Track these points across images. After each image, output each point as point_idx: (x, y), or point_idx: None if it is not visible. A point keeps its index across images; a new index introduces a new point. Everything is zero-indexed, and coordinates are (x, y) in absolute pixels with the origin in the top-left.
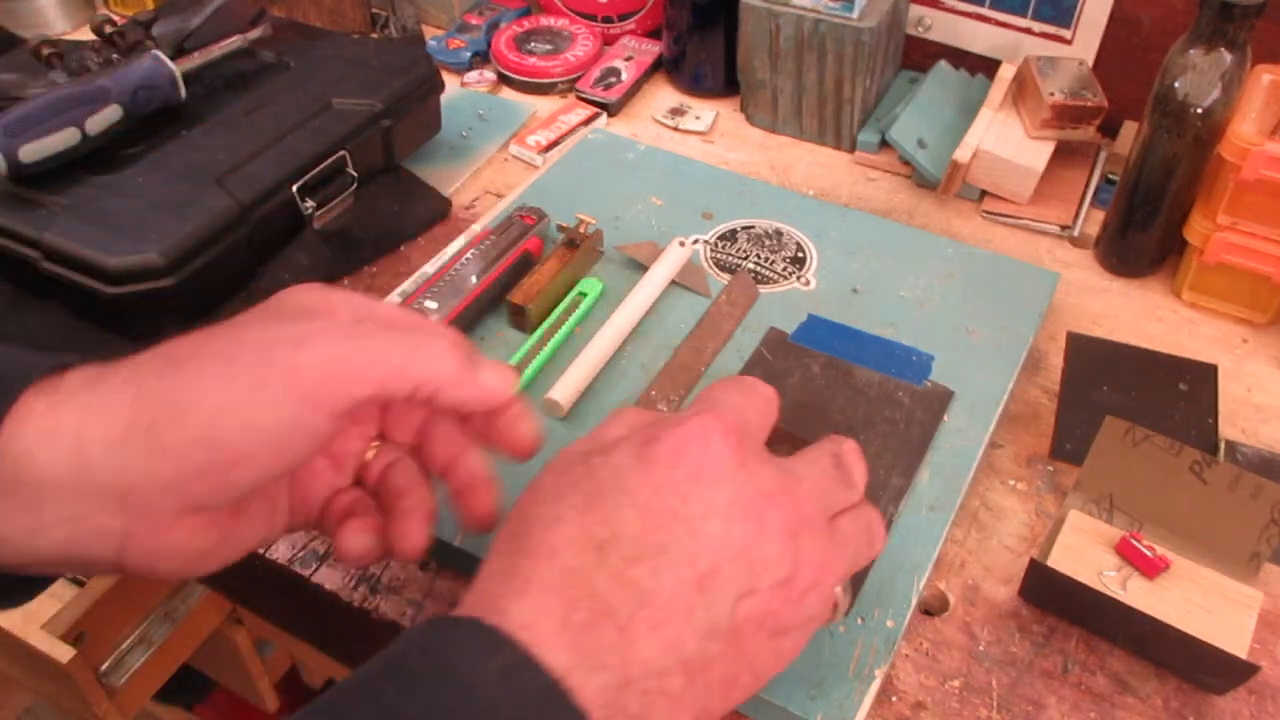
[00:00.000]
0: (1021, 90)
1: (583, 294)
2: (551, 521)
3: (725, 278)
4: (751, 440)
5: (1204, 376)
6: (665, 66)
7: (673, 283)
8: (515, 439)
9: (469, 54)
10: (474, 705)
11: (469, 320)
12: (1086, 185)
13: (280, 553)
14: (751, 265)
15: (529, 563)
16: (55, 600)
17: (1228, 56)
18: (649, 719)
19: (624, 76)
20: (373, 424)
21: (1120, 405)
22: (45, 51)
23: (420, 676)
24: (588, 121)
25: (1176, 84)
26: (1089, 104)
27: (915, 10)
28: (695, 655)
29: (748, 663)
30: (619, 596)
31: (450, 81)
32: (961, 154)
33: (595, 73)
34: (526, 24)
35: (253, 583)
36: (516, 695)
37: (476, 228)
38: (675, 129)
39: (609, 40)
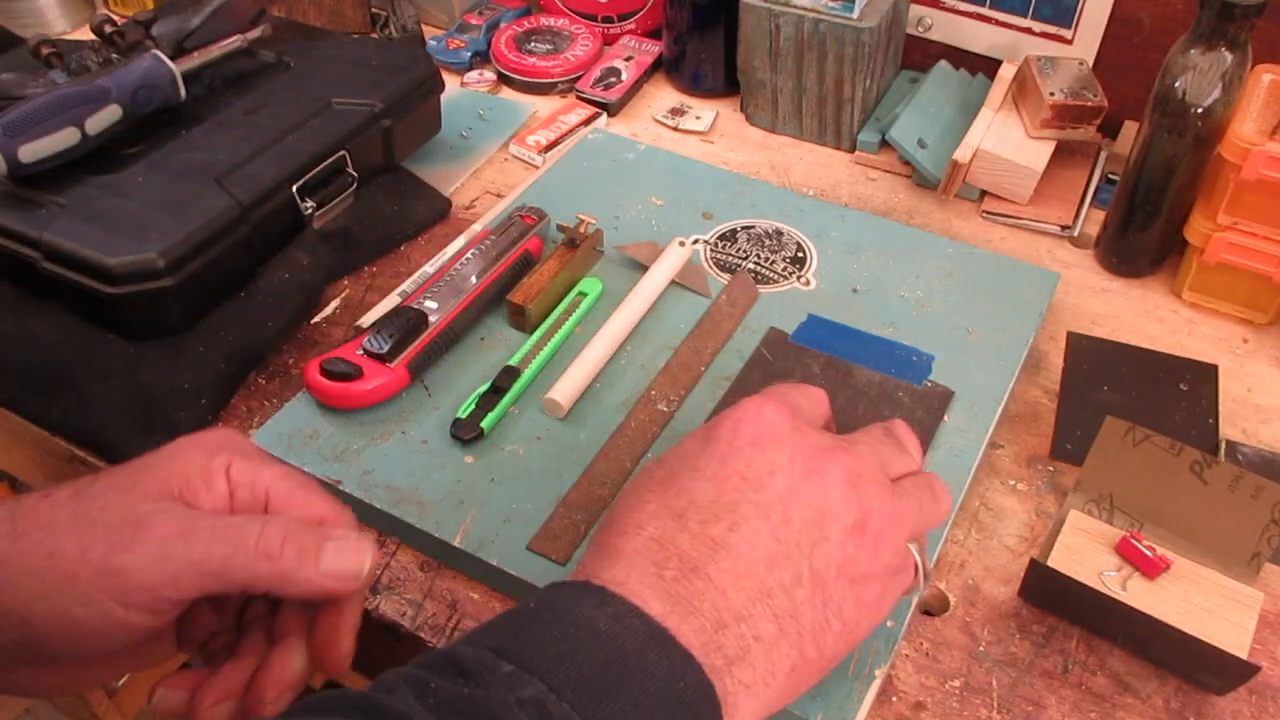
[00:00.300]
0: (1021, 90)
1: (583, 294)
2: (635, 505)
3: (725, 278)
4: (803, 417)
5: (1204, 376)
6: (665, 66)
7: (673, 283)
8: (329, 655)
9: (469, 54)
10: (596, 639)
11: (469, 320)
12: (1087, 185)
13: None
14: (751, 265)
15: (619, 540)
16: None
17: (1228, 56)
18: (747, 661)
19: (624, 76)
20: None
21: (1120, 405)
22: (45, 51)
23: (541, 620)
24: (588, 121)
25: (1177, 84)
26: (1089, 104)
27: (915, 10)
28: (781, 601)
29: (835, 609)
30: (702, 553)
31: (450, 81)
32: (961, 154)
33: (595, 73)
34: (526, 24)
35: None
36: (628, 635)
37: (476, 228)
38: (675, 129)
39: (609, 40)
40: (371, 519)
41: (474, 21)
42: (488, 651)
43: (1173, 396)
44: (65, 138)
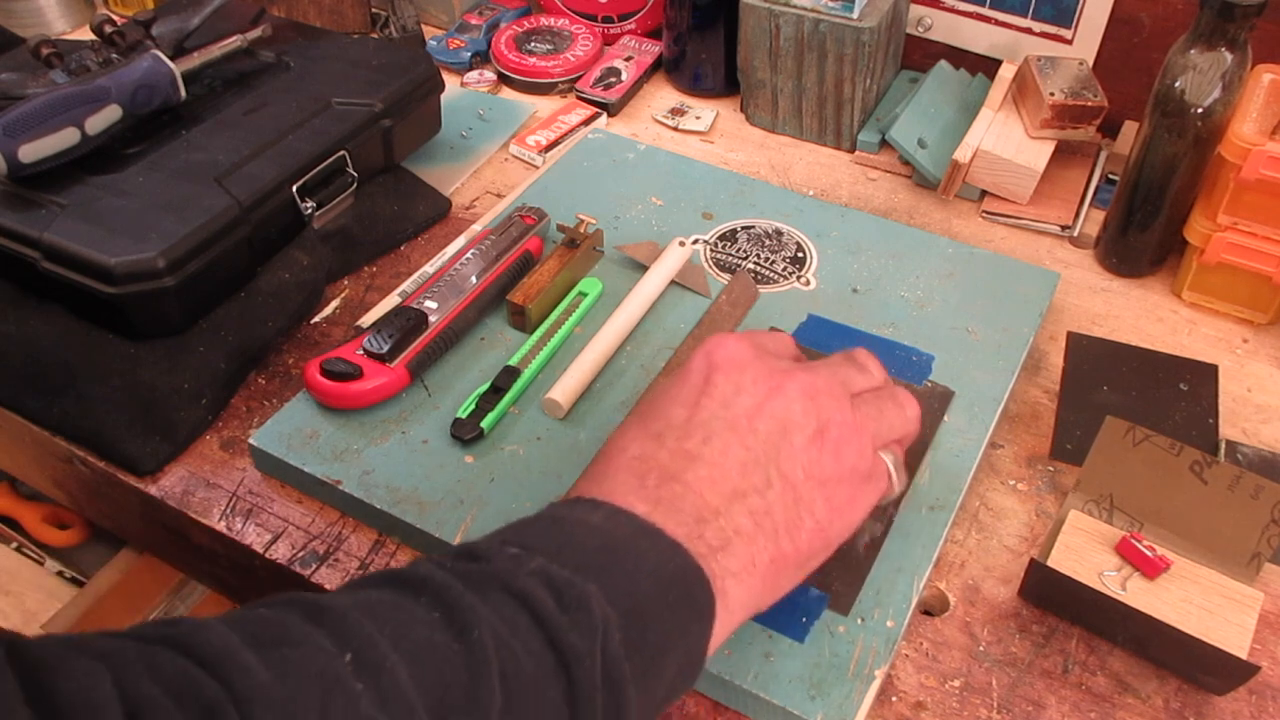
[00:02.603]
0: (1022, 90)
1: (583, 294)
2: (619, 435)
3: (725, 278)
4: (765, 347)
5: (1204, 376)
6: (665, 66)
7: (673, 283)
8: None
9: (469, 54)
10: (591, 532)
11: (469, 320)
12: (1087, 185)
13: (280, 553)
14: (751, 265)
15: (604, 464)
16: (55, 600)
17: (1228, 56)
18: (730, 549)
19: (624, 76)
20: None
21: (1120, 405)
22: (45, 51)
23: (540, 521)
24: (588, 121)
25: (1177, 84)
26: (1089, 104)
27: (915, 10)
28: (755, 501)
29: (806, 508)
30: (679, 464)
31: (450, 81)
32: (962, 154)
33: (595, 73)
34: (526, 24)
35: (253, 583)
36: (621, 530)
37: (476, 228)
38: (675, 129)
39: (609, 40)
40: (371, 519)
41: (474, 21)
42: (495, 541)
43: (1173, 396)
44: (65, 138)
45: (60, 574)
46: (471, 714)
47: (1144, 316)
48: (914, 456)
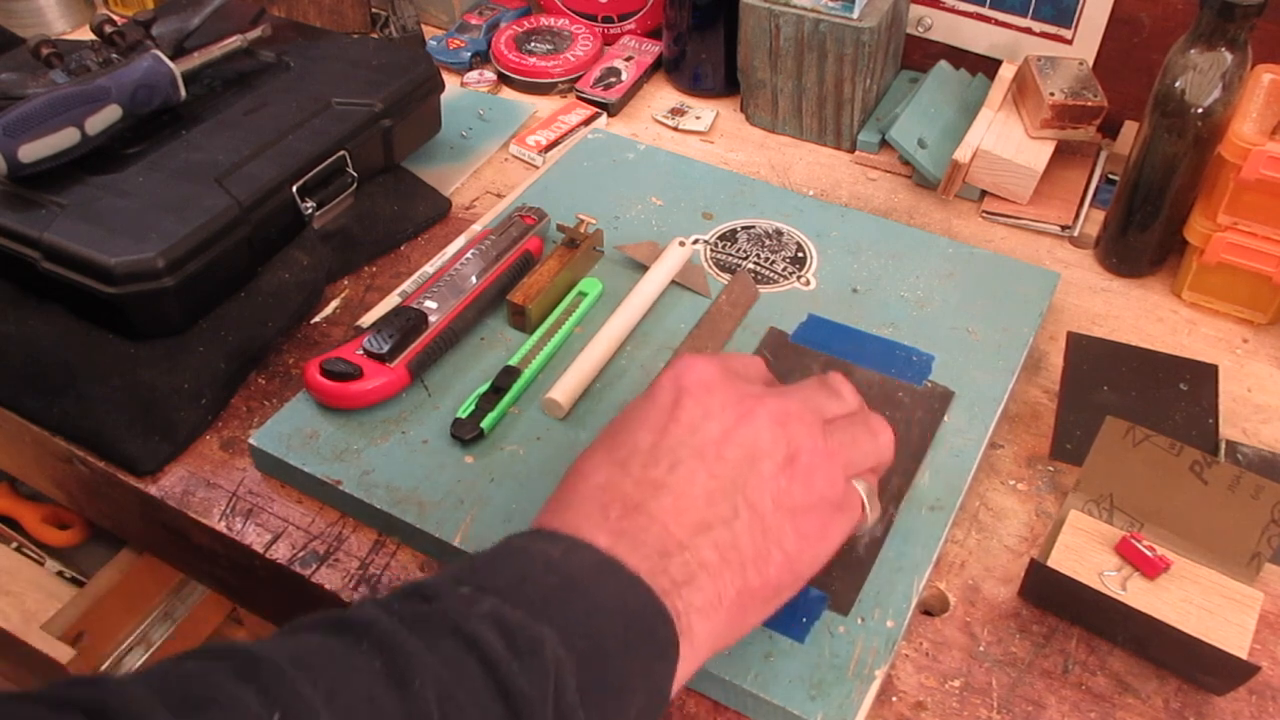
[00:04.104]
0: (1022, 90)
1: (583, 294)
2: (584, 460)
3: (725, 278)
4: (735, 370)
5: (1204, 376)
6: (665, 66)
7: (673, 283)
8: None
9: (469, 54)
10: (549, 567)
11: (469, 320)
12: (1087, 185)
13: (280, 553)
14: (751, 265)
15: (568, 492)
16: (55, 600)
17: (1228, 56)
18: (694, 584)
19: (624, 76)
20: None
21: (1120, 405)
22: (45, 51)
23: (499, 560)
24: (588, 121)
25: (1177, 84)
26: (1089, 104)
27: (915, 10)
28: (721, 533)
29: (775, 539)
30: (644, 493)
31: (450, 81)
32: (962, 154)
33: (595, 73)
34: (526, 24)
35: (253, 583)
36: (579, 563)
37: (476, 228)
38: (675, 129)
39: (609, 40)
40: (371, 519)
41: (474, 21)
42: (447, 579)
43: (1173, 396)
44: (65, 138)
45: (60, 574)
46: None
47: (1144, 316)
48: (914, 457)
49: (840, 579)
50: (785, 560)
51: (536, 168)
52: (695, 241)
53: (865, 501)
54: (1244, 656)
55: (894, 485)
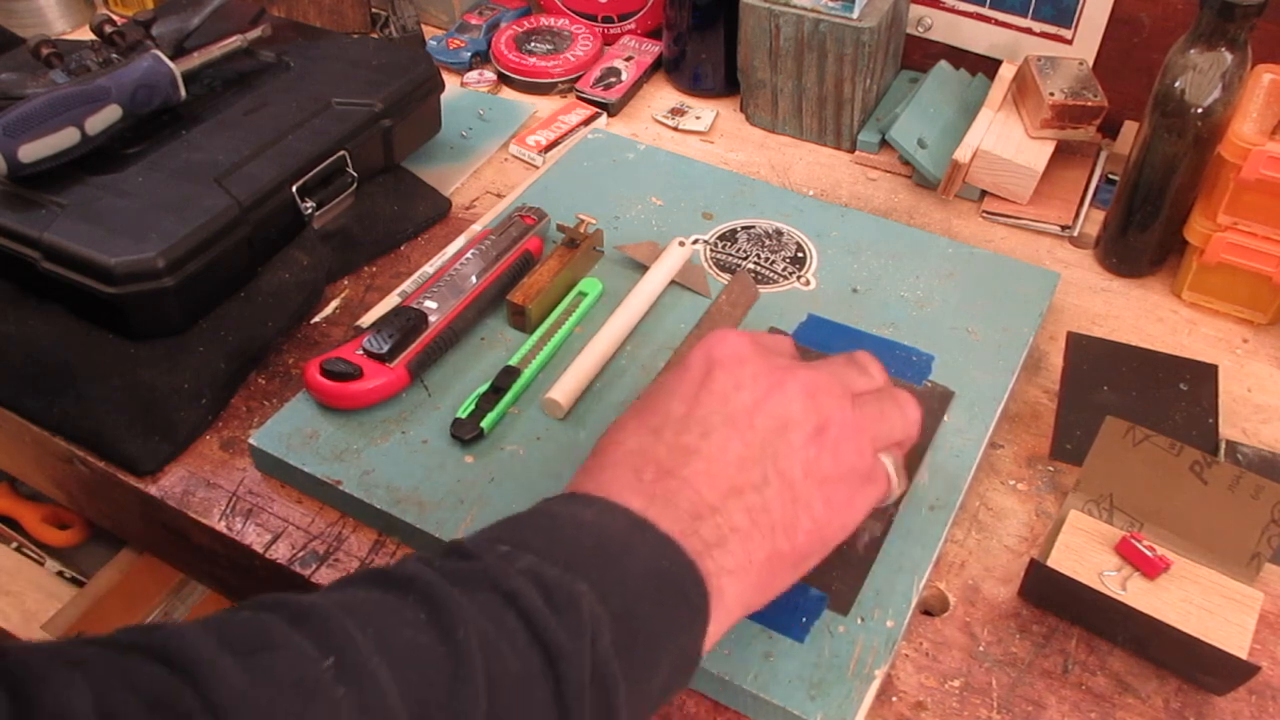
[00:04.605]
0: (1022, 90)
1: (583, 294)
2: (617, 429)
3: (725, 278)
4: (765, 345)
5: (1204, 376)
6: (665, 66)
7: (673, 283)
8: None
9: (469, 54)
10: (583, 528)
11: (469, 320)
12: (1087, 185)
13: (280, 553)
14: (751, 265)
15: (601, 457)
16: (55, 600)
17: (1228, 56)
18: (725, 546)
19: (624, 76)
20: None
21: (1120, 405)
22: (45, 51)
23: (533, 518)
24: (588, 121)
25: (1177, 84)
26: (1089, 104)
27: (915, 10)
28: (752, 498)
29: (804, 507)
30: (676, 458)
31: (450, 81)
32: (962, 154)
33: (595, 73)
34: (526, 24)
35: (253, 583)
36: (613, 524)
37: (476, 228)
38: (675, 129)
39: (609, 40)
40: (371, 519)
41: (474, 21)
42: (485, 539)
43: (1173, 396)
44: (65, 138)
45: (60, 574)
46: (456, 717)
47: (1144, 316)
48: (914, 457)
49: (840, 579)
50: (814, 527)
51: (536, 168)
52: (695, 241)
53: (892, 474)
54: (1244, 656)
55: (910, 450)
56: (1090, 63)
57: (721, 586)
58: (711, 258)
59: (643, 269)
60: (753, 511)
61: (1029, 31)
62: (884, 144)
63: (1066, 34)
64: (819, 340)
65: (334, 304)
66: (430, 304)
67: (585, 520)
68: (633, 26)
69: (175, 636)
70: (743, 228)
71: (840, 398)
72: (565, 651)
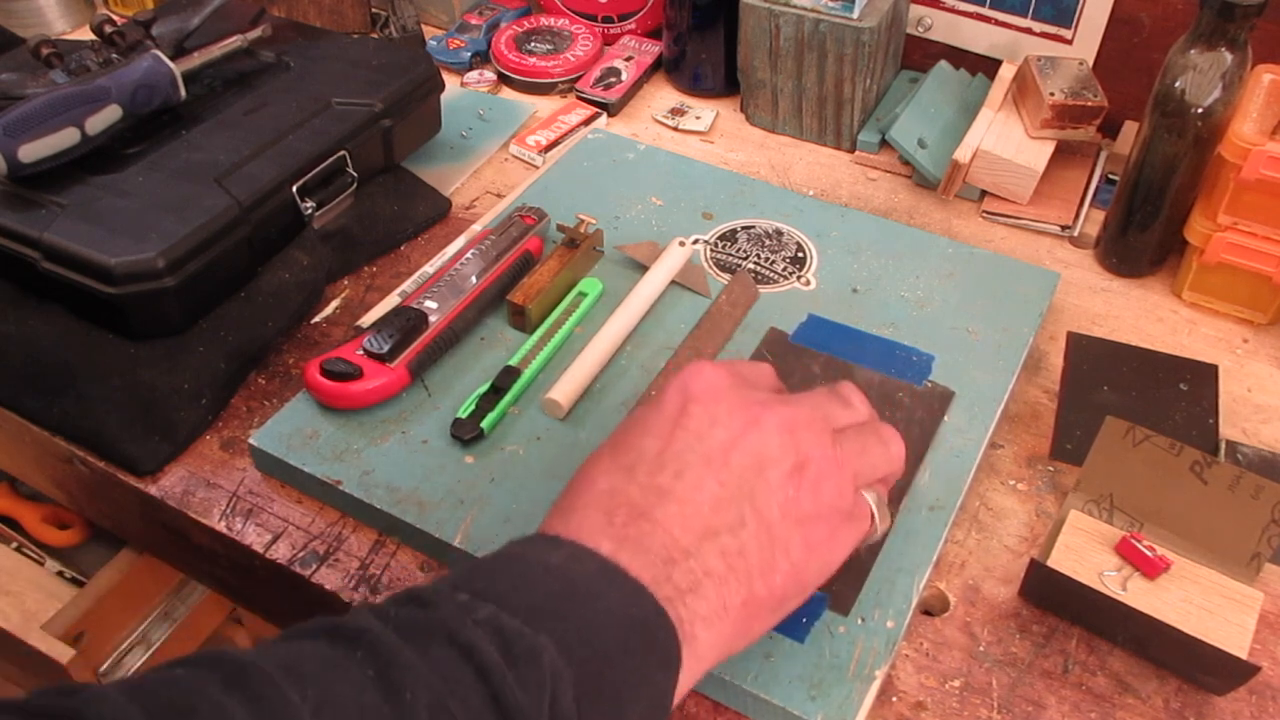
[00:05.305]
0: (1022, 90)
1: (583, 294)
2: (589, 466)
3: (725, 278)
4: (744, 376)
5: (1204, 376)
6: (665, 66)
7: (673, 283)
8: None
9: (469, 54)
10: (549, 574)
11: (469, 320)
12: (1087, 185)
13: (280, 553)
14: (751, 265)
15: (573, 497)
16: (55, 600)
17: (1228, 56)
18: (699, 592)
19: (624, 76)
20: None
21: (1120, 405)
22: (45, 51)
23: (499, 566)
24: (588, 121)
25: (1177, 84)
26: (1089, 104)
27: (915, 10)
28: (728, 540)
29: (781, 549)
30: (649, 499)
31: (450, 81)
32: (962, 154)
33: (595, 73)
34: (526, 24)
35: (253, 583)
36: (580, 570)
37: (476, 228)
38: (675, 129)
39: (609, 40)
40: (371, 519)
41: (474, 21)
42: (444, 585)
43: (1173, 396)
44: (65, 138)
45: (60, 574)
46: None
47: (1144, 316)
48: (914, 457)
49: (840, 579)
50: (792, 570)
51: (536, 168)
52: (695, 241)
53: (875, 512)
54: (1244, 656)
55: (894, 485)
56: (1090, 63)
57: (694, 633)
58: (711, 258)
59: (643, 269)
60: (728, 555)
61: (1029, 31)
62: (884, 144)
63: (1066, 34)
64: (819, 340)
65: (334, 304)
66: (430, 304)
67: (553, 564)
68: (633, 26)
69: (94, 703)
70: (743, 228)
71: (820, 433)
72: (522, 709)
